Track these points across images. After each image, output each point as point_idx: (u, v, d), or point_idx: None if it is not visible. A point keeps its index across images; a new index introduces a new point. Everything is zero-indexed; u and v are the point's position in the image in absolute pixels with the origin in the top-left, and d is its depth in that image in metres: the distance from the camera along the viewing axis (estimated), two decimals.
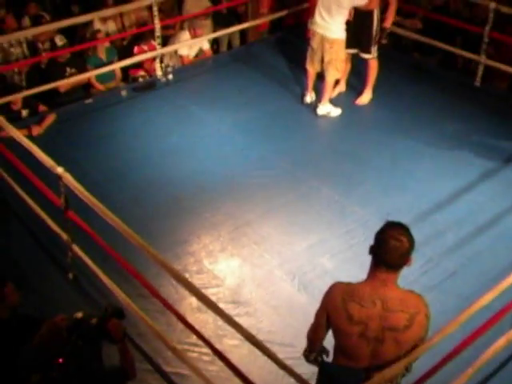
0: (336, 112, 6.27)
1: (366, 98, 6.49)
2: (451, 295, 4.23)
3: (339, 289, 2.61)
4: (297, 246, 4.70)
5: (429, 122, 6.19)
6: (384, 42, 6.26)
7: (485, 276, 4.31)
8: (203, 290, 3.57)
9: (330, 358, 2.78)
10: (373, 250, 2.53)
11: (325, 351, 2.80)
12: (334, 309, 2.59)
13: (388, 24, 6.13)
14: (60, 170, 3.89)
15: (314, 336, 2.73)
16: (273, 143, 5.85)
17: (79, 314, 2.81)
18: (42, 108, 6.27)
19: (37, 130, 5.85)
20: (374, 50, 6.19)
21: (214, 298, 3.76)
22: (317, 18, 5.92)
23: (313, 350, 2.77)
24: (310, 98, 6.41)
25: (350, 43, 6.05)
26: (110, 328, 2.81)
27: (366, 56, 6.26)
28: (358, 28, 6.03)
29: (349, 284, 2.61)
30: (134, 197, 5.12)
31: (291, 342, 3.86)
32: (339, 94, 6.55)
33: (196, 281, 4.27)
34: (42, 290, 4.27)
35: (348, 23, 5.90)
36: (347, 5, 5.73)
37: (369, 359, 2.59)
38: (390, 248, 2.46)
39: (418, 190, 5.27)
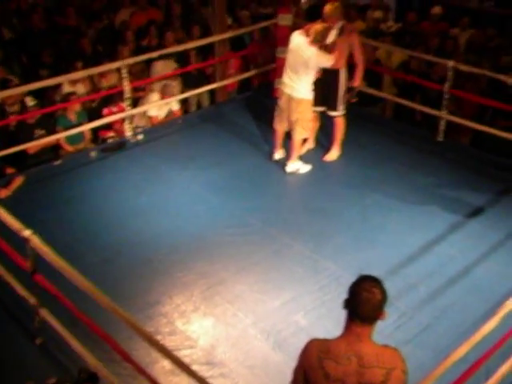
0: (305, 169, 6.35)
1: (334, 154, 6.60)
2: (426, 349, 4.21)
3: (315, 346, 2.59)
4: (270, 303, 4.66)
5: (396, 176, 6.31)
6: (353, 100, 6.39)
7: (458, 328, 4.33)
8: (176, 352, 3.51)
9: None
10: (346, 304, 2.54)
11: None
12: (311, 367, 2.56)
13: (356, 83, 6.28)
14: (27, 232, 3.83)
15: None
16: (243, 201, 5.87)
17: (52, 380, 2.73)
18: (9, 170, 6.21)
19: (4, 193, 5.79)
20: (342, 107, 6.34)
21: (187, 360, 3.69)
22: (285, 77, 6.05)
23: None
24: (278, 155, 6.48)
25: (317, 101, 6.17)
26: None
27: (333, 114, 6.39)
28: (325, 86, 6.18)
29: (324, 341, 2.59)
30: (104, 258, 5.05)
31: None
32: (308, 151, 6.64)
33: (169, 343, 4.18)
34: (7, 356, 4.12)
35: (316, 81, 6.02)
36: (313, 65, 5.85)
37: None
38: (363, 300, 2.48)
39: (389, 244, 5.31)
